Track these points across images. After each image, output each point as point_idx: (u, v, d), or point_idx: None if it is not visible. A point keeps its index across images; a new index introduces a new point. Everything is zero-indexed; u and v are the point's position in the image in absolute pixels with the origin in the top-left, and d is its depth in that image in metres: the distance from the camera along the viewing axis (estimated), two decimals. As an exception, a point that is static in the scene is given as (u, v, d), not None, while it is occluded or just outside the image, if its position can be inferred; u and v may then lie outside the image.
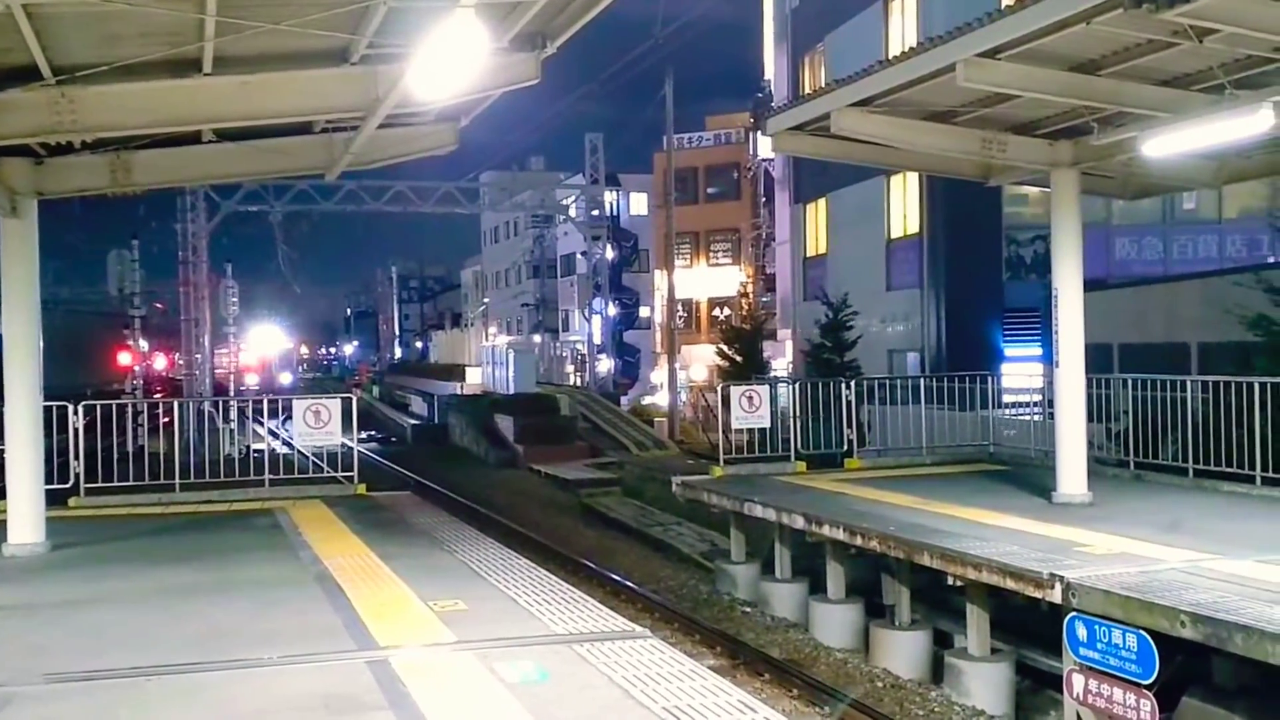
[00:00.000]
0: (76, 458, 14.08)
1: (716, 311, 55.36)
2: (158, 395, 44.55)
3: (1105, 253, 25.19)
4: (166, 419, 27.15)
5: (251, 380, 57.08)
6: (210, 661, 7.21)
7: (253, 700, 6.47)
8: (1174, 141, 11.02)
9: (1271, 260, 22.62)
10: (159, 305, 51.50)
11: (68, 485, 13.97)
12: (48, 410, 12.11)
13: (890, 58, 12.17)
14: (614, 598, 15.24)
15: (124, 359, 37.71)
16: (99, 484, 14.54)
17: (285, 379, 76.02)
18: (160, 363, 64.09)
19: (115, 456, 15.23)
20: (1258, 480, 12.77)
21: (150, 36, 8.76)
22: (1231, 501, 12.66)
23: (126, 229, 37.37)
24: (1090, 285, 13.35)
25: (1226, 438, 13.05)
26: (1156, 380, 14.48)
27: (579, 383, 52.42)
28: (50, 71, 9.03)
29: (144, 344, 39.24)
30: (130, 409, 20.98)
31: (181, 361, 41.96)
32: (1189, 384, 13.98)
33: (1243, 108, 9.95)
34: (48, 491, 11.85)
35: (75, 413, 14.07)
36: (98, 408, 15.13)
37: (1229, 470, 13.12)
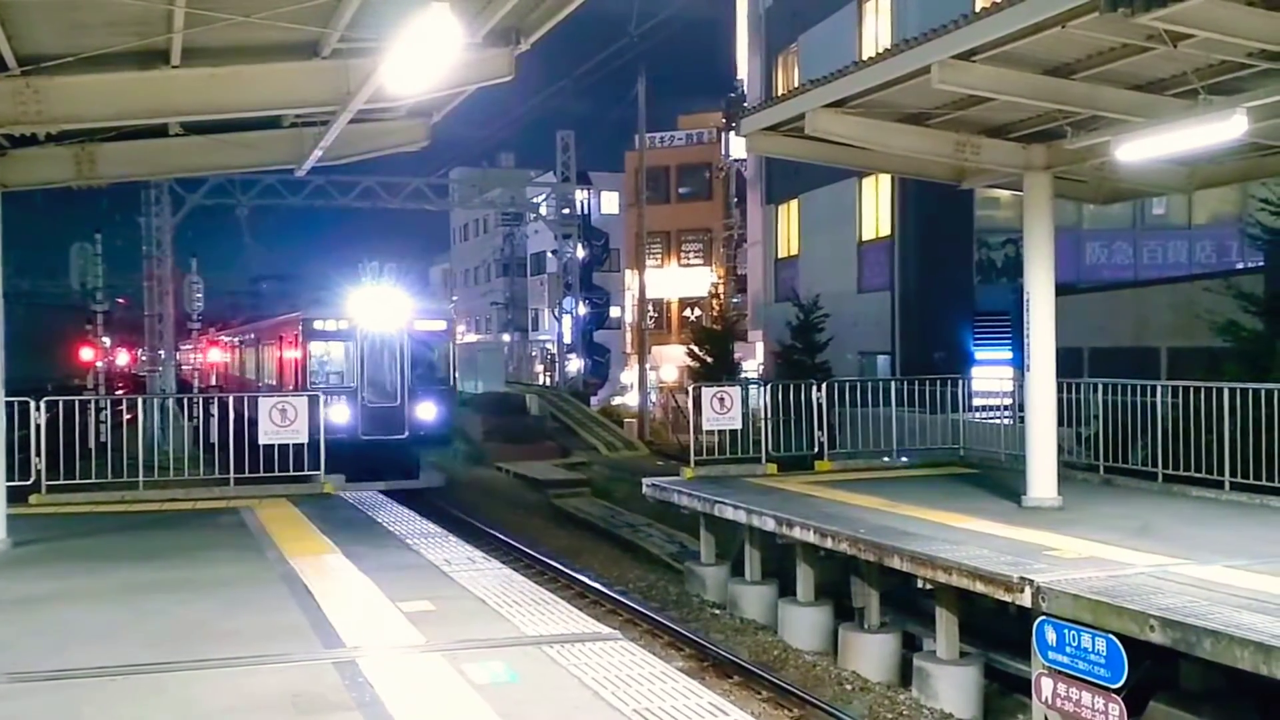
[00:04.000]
0: (38, 454, 13.88)
1: (687, 312, 55.41)
2: (120, 391, 44.09)
3: (1076, 257, 25.29)
4: (130, 415, 26.89)
5: (339, 416, 22.09)
6: (175, 661, 7.12)
7: (219, 699, 6.39)
8: (1147, 146, 11.06)
9: (1241, 266, 22.79)
10: (122, 300, 50.90)
11: (29, 482, 13.76)
12: (9, 405, 11.92)
13: (865, 59, 12.17)
14: (583, 599, 15.17)
15: (86, 354, 37.30)
16: (61, 481, 14.35)
17: (428, 413, 23.78)
18: (123, 358, 63.41)
19: (77, 453, 15.03)
20: (1226, 485, 12.85)
21: (118, 27, 8.64)
22: (1200, 506, 12.73)
23: (89, 222, 36.91)
24: (1060, 289, 13.40)
25: (1195, 443, 13.13)
26: (1126, 385, 14.56)
27: (548, 382, 52.29)
28: (15, 61, 8.90)
29: (106, 339, 38.80)
30: (93, 405, 20.76)
31: (145, 358, 41.51)
32: (1158, 389, 14.05)
33: (1216, 113, 9.99)
34: (8, 488, 11.68)
35: (37, 408, 13.87)
36: (60, 403, 14.92)
37: (1198, 475, 13.20)
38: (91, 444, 16.80)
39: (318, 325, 23.70)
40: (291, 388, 23.89)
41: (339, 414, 22.08)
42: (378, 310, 23.71)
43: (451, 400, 25.44)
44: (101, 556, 10.86)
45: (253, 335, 33.78)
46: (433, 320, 24.87)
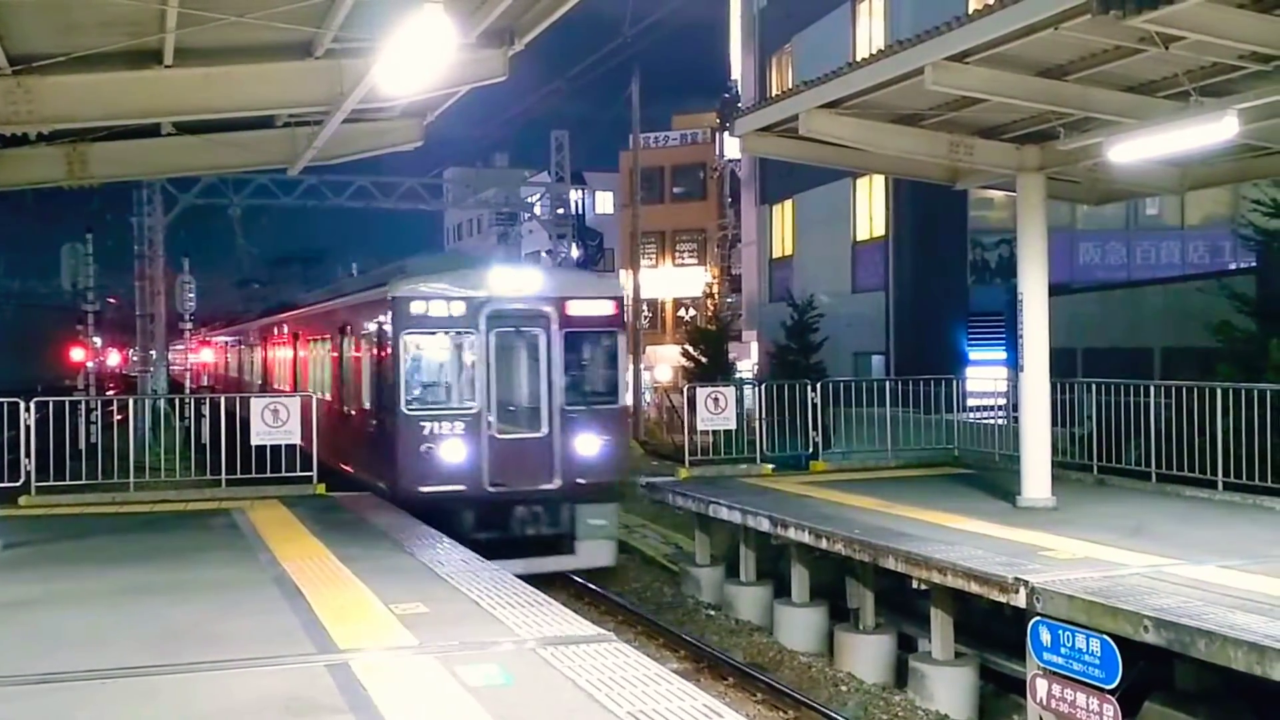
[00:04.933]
0: (28, 455, 13.81)
1: (682, 312, 55.39)
2: (111, 392, 43.93)
3: (1069, 257, 25.34)
4: (120, 416, 26.81)
5: (452, 455, 14.80)
6: (167, 664, 7.08)
7: (211, 703, 6.36)
8: (1139, 147, 11.06)
9: (1234, 266, 22.82)
10: (113, 300, 50.76)
11: (18, 484, 13.71)
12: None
13: (859, 60, 12.18)
14: (577, 600, 15.13)
15: (77, 355, 37.15)
16: (51, 482, 14.28)
17: (589, 448, 15.07)
18: (114, 359, 63.23)
19: (67, 454, 14.97)
20: (1219, 485, 12.86)
21: (111, 26, 8.63)
22: (1194, 506, 12.74)
23: (80, 221, 36.70)
24: (1054, 290, 13.40)
25: (1189, 443, 13.14)
26: (1120, 385, 14.57)
27: (542, 382, 51.96)
28: (6, 60, 8.87)
29: (98, 340, 38.63)
30: (83, 406, 20.69)
31: (136, 358, 41.26)
32: (1152, 389, 14.06)
33: (1208, 114, 10.01)
34: (-2, 489, 11.64)
35: (27, 409, 13.80)
36: (50, 404, 14.86)
37: (1191, 475, 13.22)
38: (82, 445, 16.73)
39: (417, 308, 14.62)
40: (370, 409, 16.00)
41: (452, 452, 14.50)
42: (512, 283, 15.10)
43: (624, 427, 16.89)
44: (92, 559, 10.80)
45: (285, 329, 24.13)
46: (595, 299, 15.69)
